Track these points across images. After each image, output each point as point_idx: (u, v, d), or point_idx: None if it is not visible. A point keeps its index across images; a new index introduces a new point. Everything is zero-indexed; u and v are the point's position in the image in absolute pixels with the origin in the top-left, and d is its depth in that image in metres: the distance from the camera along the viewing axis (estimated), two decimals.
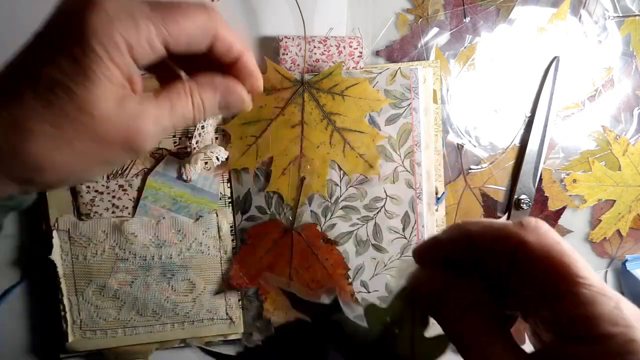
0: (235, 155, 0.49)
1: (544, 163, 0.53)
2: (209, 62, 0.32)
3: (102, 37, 0.26)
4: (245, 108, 0.34)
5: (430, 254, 0.28)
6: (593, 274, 0.23)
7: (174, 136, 0.48)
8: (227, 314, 0.50)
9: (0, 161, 0.26)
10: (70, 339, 0.49)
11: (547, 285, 0.23)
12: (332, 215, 0.50)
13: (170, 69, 0.32)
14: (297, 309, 0.29)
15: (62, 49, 0.26)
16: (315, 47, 0.49)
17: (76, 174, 0.29)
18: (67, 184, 0.30)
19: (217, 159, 0.47)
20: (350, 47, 0.49)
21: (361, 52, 0.50)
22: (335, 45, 0.49)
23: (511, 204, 0.53)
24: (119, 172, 0.48)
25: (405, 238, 0.50)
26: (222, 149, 0.48)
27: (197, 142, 0.48)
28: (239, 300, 0.50)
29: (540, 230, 0.24)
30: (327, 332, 0.28)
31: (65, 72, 0.26)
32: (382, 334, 0.29)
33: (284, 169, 0.49)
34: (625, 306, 0.22)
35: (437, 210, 0.52)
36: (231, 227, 0.50)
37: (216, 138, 0.49)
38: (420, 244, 0.28)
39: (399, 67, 0.49)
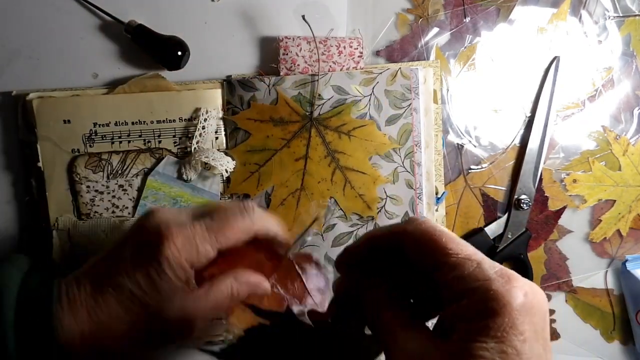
0: (237, 180, 0.49)
1: (544, 163, 0.53)
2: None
3: (173, 265, 0.34)
4: (266, 293, 0.39)
5: (344, 261, 0.34)
6: (462, 246, 0.28)
7: (174, 136, 0.48)
8: (227, 314, 0.50)
9: (81, 349, 0.33)
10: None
11: (426, 262, 0.29)
12: (332, 215, 0.50)
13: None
14: (260, 316, 0.39)
15: (141, 266, 0.34)
16: (315, 47, 0.49)
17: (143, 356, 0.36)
18: None
19: (226, 171, 0.48)
20: (351, 47, 0.49)
21: (361, 53, 0.49)
22: (336, 46, 0.49)
23: (511, 204, 0.53)
24: (119, 172, 0.48)
25: None
26: (229, 158, 0.48)
27: (197, 143, 0.48)
28: None
29: (418, 221, 0.30)
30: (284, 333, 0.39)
31: (142, 288, 0.34)
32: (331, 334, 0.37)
33: (283, 199, 0.49)
34: (486, 264, 0.27)
35: (437, 210, 0.52)
36: None
37: (216, 138, 0.49)
38: (338, 257, 0.35)
39: (399, 67, 0.49)
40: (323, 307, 0.40)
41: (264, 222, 0.38)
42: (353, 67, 0.49)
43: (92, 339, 0.33)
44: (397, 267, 0.32)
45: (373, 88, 0.49)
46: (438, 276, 0.28)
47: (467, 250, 0.28)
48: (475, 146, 0.53)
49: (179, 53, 0.47)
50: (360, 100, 0.49)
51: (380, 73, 0.49)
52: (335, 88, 0.49)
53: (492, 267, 0.27)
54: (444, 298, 0.28)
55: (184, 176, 0.48)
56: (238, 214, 0.37)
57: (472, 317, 0.26)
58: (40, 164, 0.47)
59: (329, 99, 0.49)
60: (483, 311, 0.26)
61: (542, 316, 0.27)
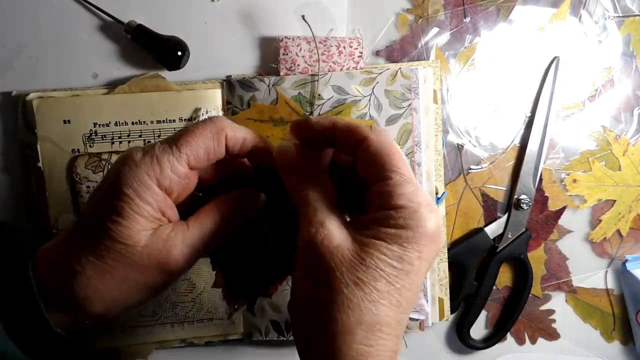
0: None
1: (544, 163, 0.53)
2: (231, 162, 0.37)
3: (131, 181, 0.31)
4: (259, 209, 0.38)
5: (300, 131, 0.36)
6: (407, 169, 0.32)
7: None
8: (226, 314, 0.50)
9: (54, 297, 0.32)
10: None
11: (375, 170, 0.32)
12: None
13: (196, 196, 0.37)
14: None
15: (103, 197, 0.32)
16: (315, 47, 0.49)
17: (120, 302, 0.33)
18: (115, 312, 0.34)
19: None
20: (351, 47, 0.49)
21: (361, 53, 0.49)
22: (336, 46, 0.49)
23: (511, 204, 0.53)
24: None
25: None
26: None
27: None
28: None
29: (382, 133, 0.33)
30: None
31: (103, 213, 0.32)
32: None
33: None
34: (420, 192, 0.31)
35: None
36: None
37: None
38: (297, 121, 0.37)
39: (399, 67, 0.49)
40: None
41: (231, 127, 0.35)
42: (353, 67, 0.49)
43: (56, 280, 0.32)
44: (341, 161, 0.36)
45: (373, 88, 0.49)
46: (378, 186, 0.32)
47: (410, 172, 0.32)
48: (475, 146, 0.53)
49: (179, 53, 0.47)
50: (360, 100, 0.49)
51: (380, 73, 0.49)
52: (335, 88, 0.49)
53: (423, 195, 0.32)
54: (372, 204, 0.32)
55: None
56: (201, 122, 0.34)
57: (391, 224, 0.30)
58: (40, 164, 0.47)
59: (329, 99, 0.49)
60: (402, 225, 0.30)
61: (438, 247, 0.32)
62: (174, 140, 0.33)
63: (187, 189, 0.35)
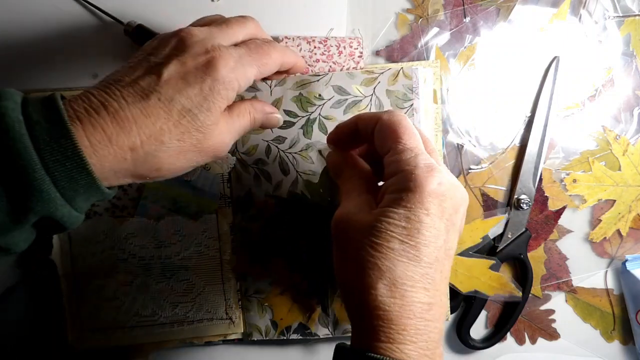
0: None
1: (544, 163, 0.53)
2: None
3: (227, 84, 0.35)
4: (278, 124, 0.45)
5: (334, 136, 0.42)
6: (412, 139, 0.36)
7: None
8: (226, 313, 0.50)
9: (134, 163, 0.33)
10: (70, 339, 0.49)
11: (384, 144, 0.37)
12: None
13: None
14: None
15: (195, 84, 0.35)
16: (315, 47, 0.49)
17: (176, 173, 0.37)
18: (164, 178, 0.37)
19: (227, 167, 0.48)
20: (351, 47, 0.49)
21: (361, 52, 0.49)
22: (336, 46, 0.49)
23: (511, 204, 0.53)
24: None
25: None
26: (229, 154, 0.48)
27: None
28: (238, 301, 0.50)
29: (393, 113, 0.37)
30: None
31: (194, 103, 0.34)
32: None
33: None
34: (421, 156, 0.35)
35: None
36: (231, 227, 0.50)
37: None
38: (329, 132, 0.43)
39: (401, 67, 0.49)
40: None
41: (288, 53, 0.41)
42: (353, 67, 0.49)
43: (143, 153, 0.33)
44: (370, 146, 0.40)
45: (374, 88, 0.49)
46: (386, 158, 0.36)
47: (414, 143, 0.35)
48: (475, 146, 0.53)
49: None
50: (361, 100, 0.49)
51: (382, 73, 0.49)
52: (335, 88, 0.49)
53: (423, 160, 0.34)
54: (385, 175, 0.36)
55: (184, 176, 0.48)
56: (271, 46, 0.39)
57: (394, 190, 0.34)
58: None
59: (330, 99, 0.49)
60: (402, 188, 0.34)
61: (452, 204, 0.34)
62: (258, 59, 0.38)
63: None
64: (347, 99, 0.49)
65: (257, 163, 0.49)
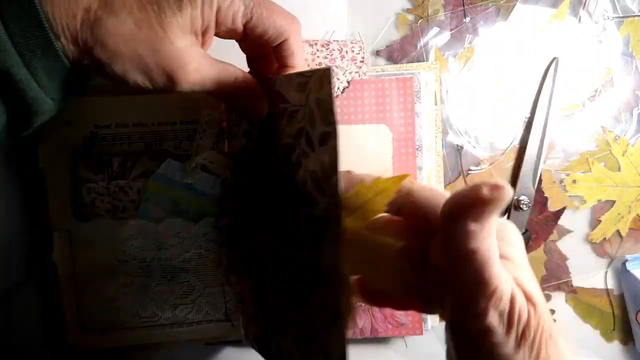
0: None
1: (544, 164, 0.53)
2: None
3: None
4: (260, 112, 0.39)
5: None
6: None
7: (175, 138, 0.48)
8: (226, 316, 0.50)
9: (82, 24, 0.31)
10: (71, 340, 0.49)
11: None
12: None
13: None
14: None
15: None
16: (318, 50, 0.49)
17: (125, 70, 0.33)
18: (114, 76, 0.34)
19: None
20: (352, 51, 0.49)
21: (363, 57, 0.49)
22: (338, 50, 0.49)
23: (511, 205, 0.53)
24: (120, 173, 0.48)
25: None
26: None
27: (197, 146, 0.48)
28: (238, 303, 0.50)
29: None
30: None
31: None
32: None
33: None
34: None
35: None
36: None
37: (217, 140, 0.49)
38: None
39: (401, 73, 0.49)
40: None
41: (298, 39, 0.39)
42: (355, 72, 0.49)
43: (94, 18, 0.32)
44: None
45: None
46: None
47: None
48: (474, 147, 0.53)
49: None
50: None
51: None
52: None
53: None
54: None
55: (185, 178, 0.48)
56: (285, 12, 0.37)
57: None
58: (40, 165, 0.47)
59: None
60: None
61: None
62: (258, 6, 0.35)
63: (208, 44, 0.37)
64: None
65: None
